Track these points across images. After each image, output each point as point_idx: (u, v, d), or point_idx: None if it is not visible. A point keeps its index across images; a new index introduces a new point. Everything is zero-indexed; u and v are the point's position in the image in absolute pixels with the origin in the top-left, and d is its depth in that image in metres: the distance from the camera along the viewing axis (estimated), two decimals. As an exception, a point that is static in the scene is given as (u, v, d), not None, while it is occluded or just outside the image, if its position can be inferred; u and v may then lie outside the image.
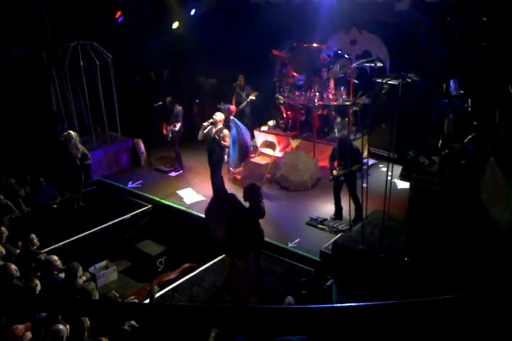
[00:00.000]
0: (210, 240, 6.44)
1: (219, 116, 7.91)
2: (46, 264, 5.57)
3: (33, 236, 6.26)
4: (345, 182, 7.21)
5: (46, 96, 10.23)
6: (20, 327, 4.50)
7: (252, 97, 10.04)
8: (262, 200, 5.98)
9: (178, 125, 9.43)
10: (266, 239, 7.08)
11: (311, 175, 8.81)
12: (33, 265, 5.77)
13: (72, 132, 8.19)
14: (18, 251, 6.26)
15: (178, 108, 9.50)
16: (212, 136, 7.84)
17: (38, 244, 6.25)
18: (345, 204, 7.35)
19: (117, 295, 5.45)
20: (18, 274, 5.28)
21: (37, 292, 5.10)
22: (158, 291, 5.36)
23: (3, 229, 6.42)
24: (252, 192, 5.95)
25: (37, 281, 5.23)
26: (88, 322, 4.54)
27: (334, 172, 7.26)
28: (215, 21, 11.73)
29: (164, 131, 9.53)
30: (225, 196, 6.82)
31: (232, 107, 9.68)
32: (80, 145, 8.20)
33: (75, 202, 8.49)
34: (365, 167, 7.40)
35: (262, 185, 8.91)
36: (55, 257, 5.69)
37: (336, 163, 7.32)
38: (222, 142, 7.79)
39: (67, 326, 4.46)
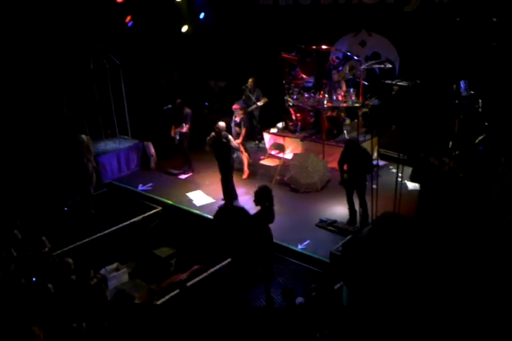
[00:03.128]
0: (219, 242, 6.46)
1: (221, 124, 8.07)
2: (58, 266, 5.61)
3: (44, 238, 6.31)
4: (354, 186, 7.19)
5: (58, 100, 10.34)
6: (37, 328, 4.53)
7: (260, 104, 10.21)
8: (273, 204, 5.97)
9: (186, 127, 9.50)
10: (276, 240, 7.09)
11: (320, 176, 8.80)
12: (45, 267, 5.82)
13: (83, 135, 8.25)
14: (30, 253, 6.32)
15: (188, 110, 9.56)
16: (217, 141, 8.01)
17: (49, 245, 6.30)
18: (357, 207, 7.35)
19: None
20: None
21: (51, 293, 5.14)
22: (166, 293, 5.41)
23: (16, 231, 6.49)
24: (263, 196, 5.94)
25: (50, 284, 5.28)
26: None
27: (345, 175, 7.26)
28: (224, 24, 11.80)
29: (172, 133, 9.61)
30: (232, 209, 6.91)
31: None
32: (91, 148, 8.25)
33: (91, 205, 8.53)
34: (375, 168, 7.38)
35: (272, 186, 8.94)
36: (68, 259, 5.73)
37: (345, 167, 7.29)
38: (232, 144, 7.96)
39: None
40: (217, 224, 6.52)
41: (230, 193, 8.21)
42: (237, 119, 9.22)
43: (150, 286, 5.35)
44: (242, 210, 6.43)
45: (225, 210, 7.05)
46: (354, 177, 7.18)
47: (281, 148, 9.78)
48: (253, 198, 6.02)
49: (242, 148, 9.08)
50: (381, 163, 8.78)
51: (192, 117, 9.61)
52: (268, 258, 6.27)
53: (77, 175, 8.36)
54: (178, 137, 9.58)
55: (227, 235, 6.30)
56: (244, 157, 9.35)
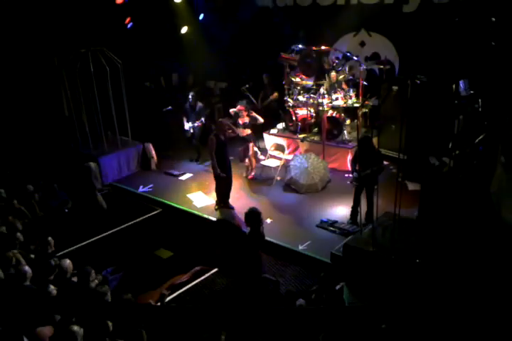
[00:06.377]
0: (219, 244, 6.50)
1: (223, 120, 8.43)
2: (59, 268, 5.62)
3: (50, 238, 6.31)
4: (365, 185, 7.10)
5: (58, 102, 10.36)
6: (45, 329, 4.53)
7: (272, 98, 10.57)
8: (262, 225, 5.97)
9: (203, 120, 9.95)
10: (276, 241, 7.12)
11: (321, 177, 8.80)
12: (47, 269, 5.81)
13: (91, 163, 8.17)
14: (32, 255, 6.32)
15: (200, 104, 10.00)
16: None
17: (53, 248, 6.31)
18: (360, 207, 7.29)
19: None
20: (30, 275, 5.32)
21: (53, 295, 5.14)
22: (169, 295, 5.40)
23: (18, 234, 6.48)
24: (252, 218, 5.97)
25: (52, 286, 5.28)
26: (111, 326, 4.57)
27: (355, 174, 7.19)
28: (224, 25, 11.80)
29: (186, 127, 9.99)
30: (225, 225, 6.97)
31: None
32: (98, 176, 8.19)
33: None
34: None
35: (272, 186, 8.97)
36: (68, 261, 5.74)
37: (357, 166, 7.21)
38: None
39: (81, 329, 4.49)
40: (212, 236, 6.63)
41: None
42: (246, 120, 9.22)
43: (162, 290, 5.34)
44: (236, 230, 6.48)
45: (221, 225, 7.13)
46: (366, 175, 7.06)
47: (281, 148, 9.80)
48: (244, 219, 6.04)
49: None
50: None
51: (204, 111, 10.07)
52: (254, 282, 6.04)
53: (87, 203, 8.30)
54: (192, 131, 10.03)
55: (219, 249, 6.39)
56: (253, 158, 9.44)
